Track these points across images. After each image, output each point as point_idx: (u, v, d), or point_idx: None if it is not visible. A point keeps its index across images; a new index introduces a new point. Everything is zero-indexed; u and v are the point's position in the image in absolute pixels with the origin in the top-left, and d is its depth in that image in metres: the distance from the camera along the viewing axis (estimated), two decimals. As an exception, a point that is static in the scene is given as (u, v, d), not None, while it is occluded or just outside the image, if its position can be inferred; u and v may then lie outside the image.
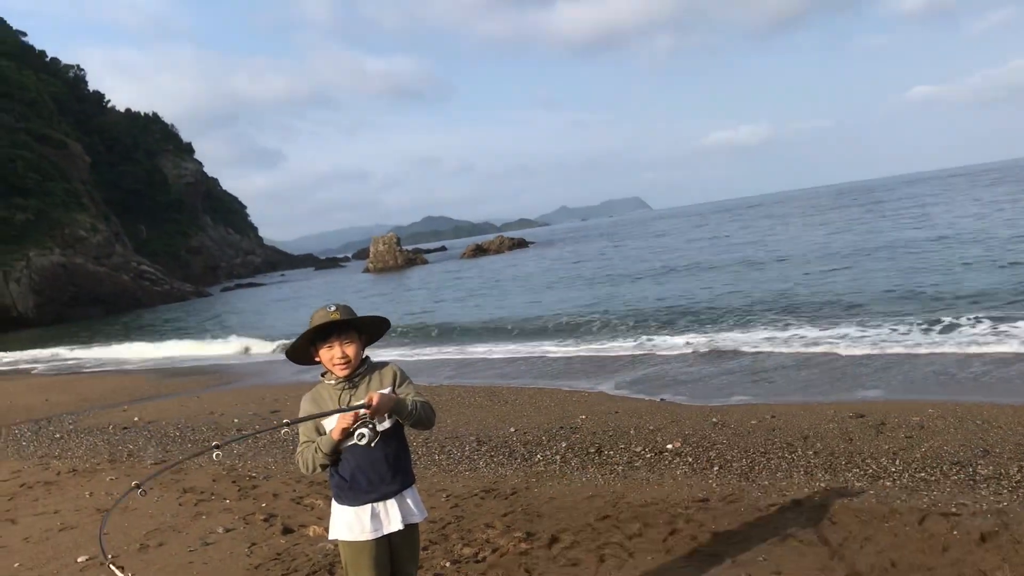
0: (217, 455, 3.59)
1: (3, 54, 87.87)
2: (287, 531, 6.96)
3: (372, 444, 3.61)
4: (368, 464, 3.71)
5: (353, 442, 3.58)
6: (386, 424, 3.75)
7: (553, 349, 18.01)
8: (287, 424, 3.65)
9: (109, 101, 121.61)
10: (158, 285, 77.95)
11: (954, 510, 5.84)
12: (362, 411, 3.58)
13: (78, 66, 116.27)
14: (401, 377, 3.90)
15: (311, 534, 6.81)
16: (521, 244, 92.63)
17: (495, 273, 53.00)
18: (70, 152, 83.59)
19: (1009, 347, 11.97)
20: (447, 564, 5.80)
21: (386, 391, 3.74)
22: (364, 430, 3.56)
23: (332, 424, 3.71)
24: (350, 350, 3.77)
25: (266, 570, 6.08)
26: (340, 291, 60.40)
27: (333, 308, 3.73)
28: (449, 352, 20.03)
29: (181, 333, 36.43)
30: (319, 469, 3.75)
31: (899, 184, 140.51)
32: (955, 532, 5.37)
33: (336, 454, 3.71)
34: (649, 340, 17.30)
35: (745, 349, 14.72)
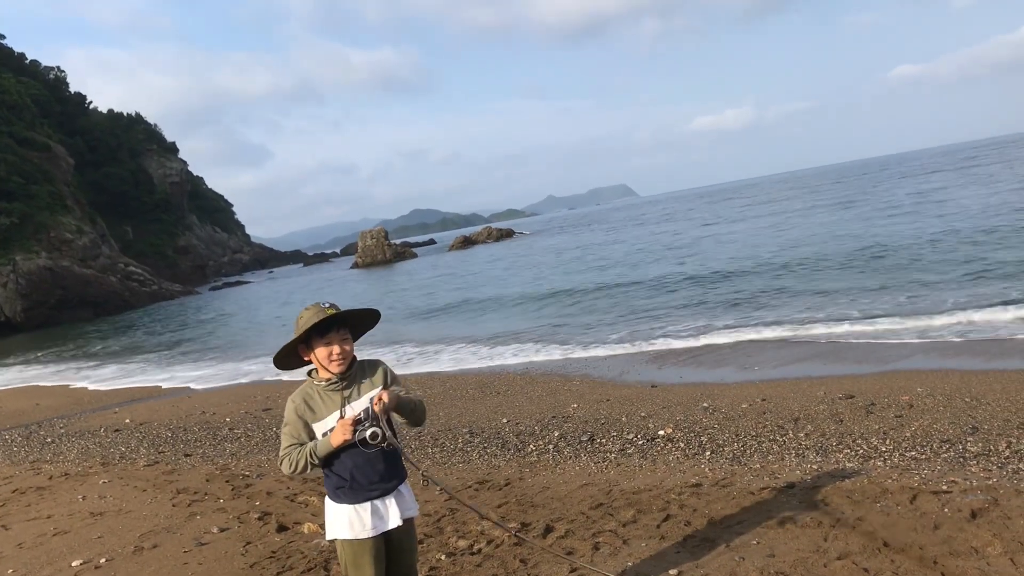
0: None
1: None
2: (282, 529, 6.96)
3: (386, 445, 3.59)
4: (365, 462, 3.69)
5: (367, 442, 3.55)
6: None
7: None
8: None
9: (91, 102, 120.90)
10: (146, 286, 77.61)
11: (945, 488, 5.87)
12: (364, 411, 3.59)
13: (58, 68, 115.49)
14: (391, 375, 3.90)
15: (306, 531, 6.81)
16: (509, 234, 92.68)
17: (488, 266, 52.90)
18: (53, 154, 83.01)
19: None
20: (442, 557, 5.80)
21: (374, 392, 3.74)
22: (377, 429, 3.54)
23: (324, 428, 3.70)
24: (348, 345, 3.76)
25: (261, 568, 6.08)
26: (330, 287, 60.25)
27: (327, 305, 3.71)
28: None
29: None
30: (308, 471, 3.72)
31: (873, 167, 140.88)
32: (946, 509, 5.40)
33: (327, 457, 3.71)
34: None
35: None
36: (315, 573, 5.85)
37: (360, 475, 3.72)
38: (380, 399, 3.59)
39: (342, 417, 3.67)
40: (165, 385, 19.77)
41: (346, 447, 3.64)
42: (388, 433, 3.61)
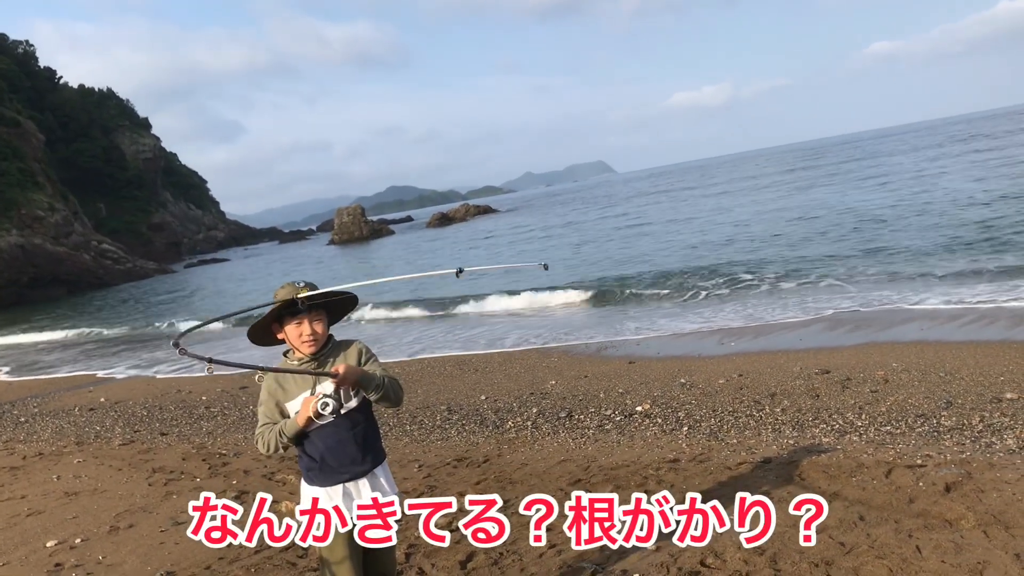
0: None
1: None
2: (259, 507, 6.91)
3: (335, 415, 3.53)
4: (336, 444, 3.65)
5: (319, 413, 3.50)
6: (353, 403, 3.69)
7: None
8: (262, 370, 3.60)
9: (61, 77, 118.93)
10: (120, 264, 76.79)
11: (919, 462, 5.93)
12: (329, 382, 3.54)
13: (27, 42, 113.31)
14: (366, 354, 3.81)
15: (283, 510, 6.78)
16: (487, 211, 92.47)
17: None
18: (23, 130, 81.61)
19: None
20: (421, 535, 5.78)
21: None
22: (328, 399, 3.47)
23: (297, 407, 3.65)
24: (319, 327, 3.68)
25: (239, 548, 6.04)
26: (308, 265, 59.92)
27: (302, 284, 3.63)
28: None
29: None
30: (281, 451, 3.69)
31: (843, 143, 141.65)
32: (921, 483, 5.45)
33: (299, 437, 3.67)
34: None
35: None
36: (293, 552, 5.82)
37: (331, 457, 3.68)
38: (336, 369, 3.53)
39: (318, 384, 3.63)
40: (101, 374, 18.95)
41: (317, 428, 3.61)
42: (340, 405, 3.56)
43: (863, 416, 7.33)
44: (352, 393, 3.68)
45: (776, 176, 64.23)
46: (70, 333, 30.68)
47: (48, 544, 6.65)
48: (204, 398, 12.83)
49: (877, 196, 32.31)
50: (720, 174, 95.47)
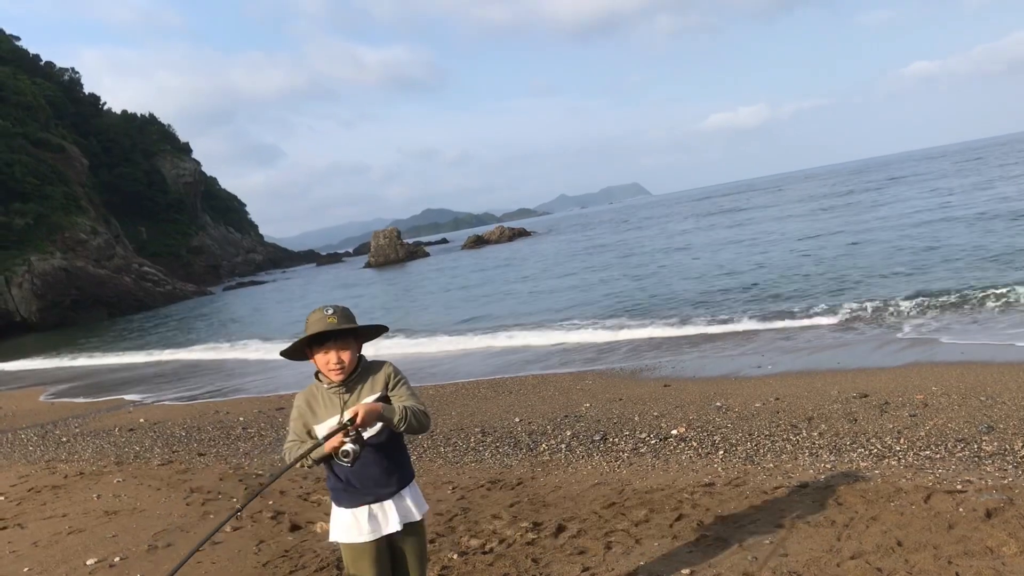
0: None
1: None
2: (294, 528, 6.97)
3: (355, 461, 3.51)
4: (360, 467, 3.66)
5: (338, 460, 3.50)
6: (376, 426, 3.68)
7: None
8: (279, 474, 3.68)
9: (105, 103, 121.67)
10: (160, 286, 78.03)
11: (959, 487, 5.83)
12: (347, 423, 3.51)
13: (72, 69, 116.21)
14: (395, 379, 3.81)
15: (318, 530, 6.83)
16: (522, 233, 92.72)
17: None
18: (68, 155, 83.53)
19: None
20: (454, 556, 5.80)
21: (372, 398, 3.69)
22: (348, 447, 3.45)
23: (324, 431, 3.64)
24: (345, 356, 3.70)
25: (274, 567, 6.10)
26: (344, 288, 60.36)
27: (331, 312, 3.65)
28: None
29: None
30: (306, 469, 3.73)
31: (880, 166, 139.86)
32: (960, 509, 5.36)
33: (324, 458, 3.67)
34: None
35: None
36: (327, 572, 5.86)
37: (356, 479, 3.71)
38: (355, 412, 3.49)
39: (340, 421, 3.61)
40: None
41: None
42: (361, 448, 3.50)
43: (902, 440, 7.22)
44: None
45: (829, 199, 63.06)
46: (124, 359, 30.57)
47: (88, 562, 6.75)
48: (242, 419, 12.96)
49: (926, 217, 31.81)
50: (764, 196, 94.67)
